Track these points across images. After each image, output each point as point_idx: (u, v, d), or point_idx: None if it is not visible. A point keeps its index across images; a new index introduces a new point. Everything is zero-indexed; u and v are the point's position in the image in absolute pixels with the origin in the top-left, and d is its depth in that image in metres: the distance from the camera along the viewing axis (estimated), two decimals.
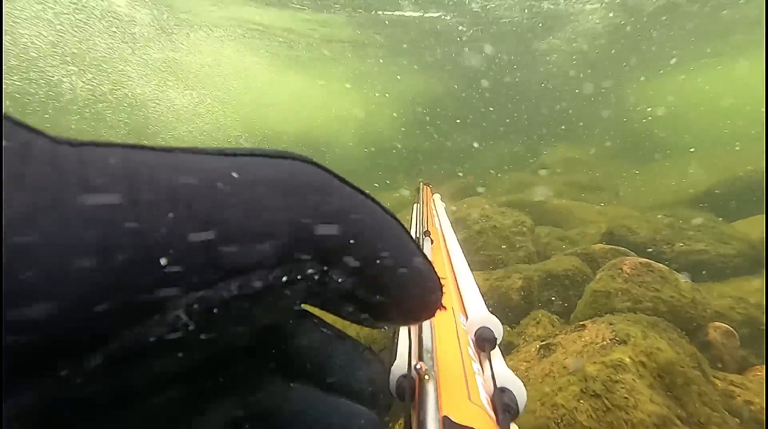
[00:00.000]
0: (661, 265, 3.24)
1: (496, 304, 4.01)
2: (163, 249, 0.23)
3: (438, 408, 0.45)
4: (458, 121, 19.45)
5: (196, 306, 0.24)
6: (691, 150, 10.62)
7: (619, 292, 3.11)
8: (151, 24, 10.59)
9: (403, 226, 0.36)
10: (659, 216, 5.19)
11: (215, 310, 0.25)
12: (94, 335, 0.22)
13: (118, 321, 0.22)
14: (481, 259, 5.47)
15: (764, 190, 5.98)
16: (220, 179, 0.26)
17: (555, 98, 18.82)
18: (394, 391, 0.58)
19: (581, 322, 2.17)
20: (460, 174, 14.60)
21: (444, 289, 0.41)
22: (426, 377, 0.51)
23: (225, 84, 13.90)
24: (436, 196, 2.33)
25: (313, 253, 0.29)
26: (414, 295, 0.37)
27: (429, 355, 0.60)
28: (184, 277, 0.24)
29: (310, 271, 0.29)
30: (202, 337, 0.26)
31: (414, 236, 1.34)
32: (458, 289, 1.02)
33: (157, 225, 0.23)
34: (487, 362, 0.65)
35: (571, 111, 18.22)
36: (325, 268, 0.30)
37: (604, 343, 1.85)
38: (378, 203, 0.34)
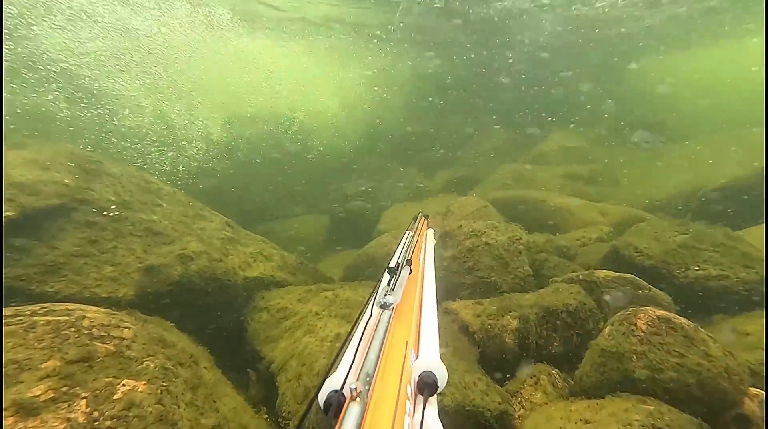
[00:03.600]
0: (683, 319, 2.70)
1: (488, 349, 3.48)
2: None
3: None
4: (457, 100, 18.58)
5: None
6: (698, 148, 9.98)
7: (634, 356, 2.59)
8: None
9: None
10: (670, 231, 4.62)
11: None
12: None
13: None
14: (472, 280, 4.91)
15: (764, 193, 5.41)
16: None
17: (552, 83, 17.94)
18: (321, 403, 0.62)
19: None
20: (455, 165, 13.99)
21: None
22: (357, 399, 0.53)
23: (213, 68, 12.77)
24: (430, 232, 2.35)
25: None
26: None
27: (367, 379, 0.61)
28: None
29: None
30: None
31: (396, 260, 1.33)
32: (419, 327, 1.01)
33: None
34: (421, 407, 0.67)
35: (568, 96, 17.36)
36: None
37: None
38: None
